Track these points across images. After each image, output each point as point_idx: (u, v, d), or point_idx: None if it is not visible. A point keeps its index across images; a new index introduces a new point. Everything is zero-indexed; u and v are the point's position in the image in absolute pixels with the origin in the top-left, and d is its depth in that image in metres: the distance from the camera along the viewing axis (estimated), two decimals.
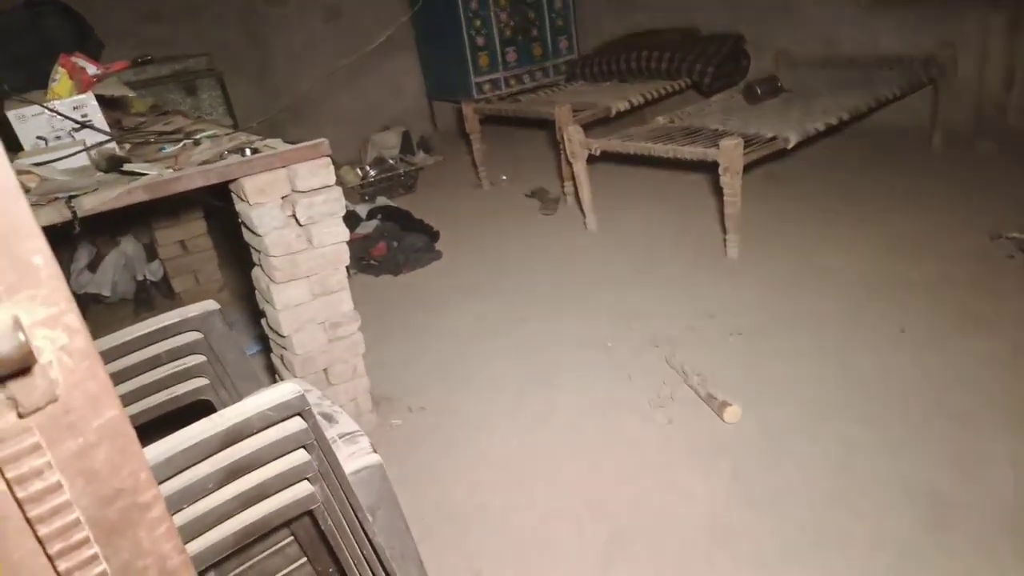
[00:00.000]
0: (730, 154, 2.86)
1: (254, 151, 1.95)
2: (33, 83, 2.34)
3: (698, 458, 1.98)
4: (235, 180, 1.92)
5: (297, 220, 2.00)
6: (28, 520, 0.40)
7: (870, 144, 4.37)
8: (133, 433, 0.44)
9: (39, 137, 2.10)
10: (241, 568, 1.15)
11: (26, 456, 0.39)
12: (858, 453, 1.91)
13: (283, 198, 1.98)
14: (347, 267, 3.41)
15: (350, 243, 2.02)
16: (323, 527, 1.10)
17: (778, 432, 2.04)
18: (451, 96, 5.57)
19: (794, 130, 3.16)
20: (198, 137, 2.19)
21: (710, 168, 3.13)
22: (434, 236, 3.84)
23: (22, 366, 0.37)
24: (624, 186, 4.24)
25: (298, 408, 1.01)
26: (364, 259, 3.61)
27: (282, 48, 5.25)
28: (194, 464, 0.94)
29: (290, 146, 1.97)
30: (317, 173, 1.98)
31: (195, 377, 1.46)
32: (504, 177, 4.78)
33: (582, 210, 3.75)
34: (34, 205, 1.69)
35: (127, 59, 2.59)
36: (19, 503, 0.40)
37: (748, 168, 3.00)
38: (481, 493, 1.99)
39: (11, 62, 2.47)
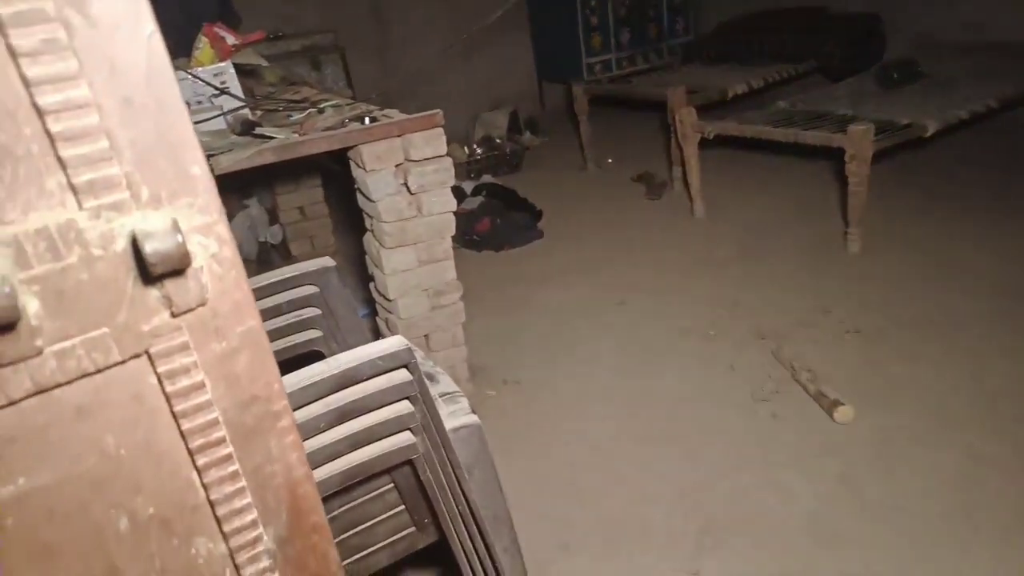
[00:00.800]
0: (859, 140, 2.67)
1: (373, 120, 2.02)
2: (179, 51, 2.52)
3: (803, 457, 1.89)
4: (354, 147, 2.00)
5: (408, 188, 2.05)
6: (174, 414, 0.44)
7: (1019, 138, 3.95)
8: (269, 344, 0.46)
9: (184, 102, 2.27)
10: (343, 508, 1.21)
11: (177, 354, 0.42)
12: (986, 468, 1.75)
13: (397, 166, 2.04)
14: (451, 239, 3.48)
15: (455, 217, 2.07)
16: (422, 478, 1.13)
17: (895, 438, 1.90)
18: (561, 77, 5.53)
19: (933, 117, 2.91)
20: (323, 106, 2.30)
21: (834, 156, 2.94)
22: (537, 215, 3.85)
23: (179, 267, 0.39)
24: (737, 173, 4.07)
25: (405, 360, 1.05)
26: (468, 234, 3.67)
27: (401, 26, 5.39)
28: (309, 403, 0.99)
29: (406, 116, 2.03)
30: (430, 143, 2.02)
31: (310, 329, 1.54)
32: (610, 160, 4.71)
33: (690, 196, 3.63)
34: None
35: (262, 34, 2.75)
36: (167, 397, 0.43)
37: (878, 157, 2.79)
38: (571, 470, 1.98)
39: (165, 32, 2.68)
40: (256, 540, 0.49)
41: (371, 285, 2.33)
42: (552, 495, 1.90)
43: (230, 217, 3.64)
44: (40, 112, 0.35)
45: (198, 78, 2.21)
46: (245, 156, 1.87)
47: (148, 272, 0.38)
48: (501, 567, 1.27)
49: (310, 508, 0.51)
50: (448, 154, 2.07)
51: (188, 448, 0.45)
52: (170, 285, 0.41)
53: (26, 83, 0.35)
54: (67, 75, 0.35)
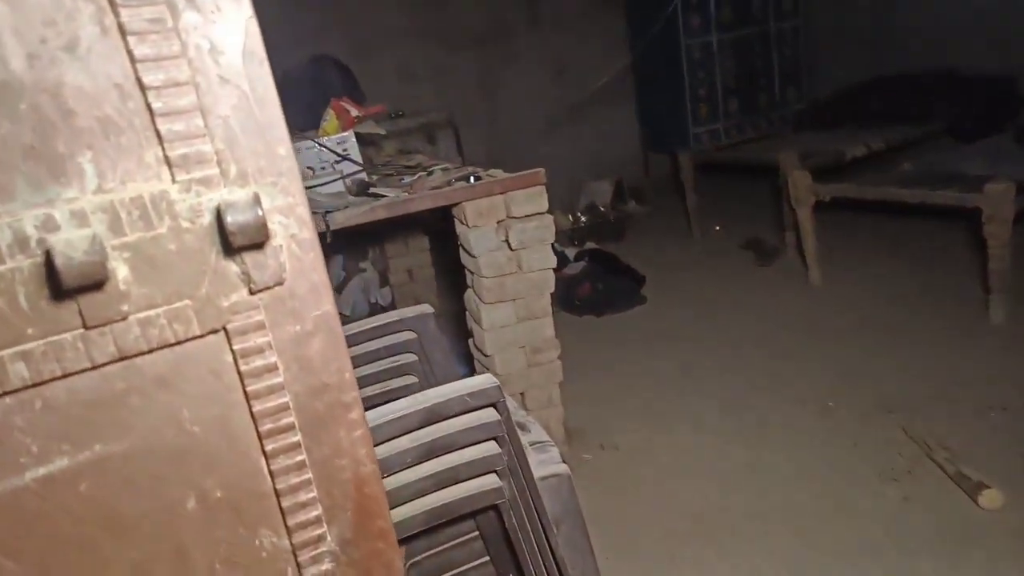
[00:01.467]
0: (998, 199, 2.45)
1: (477, 178, 2.09)
2: (309, 123, 2.76)
3: (941, 545, 1.65)
4: (458, 204, 2.07)
5: (509, 244, 2.08)
6: (247, 394, 0.44)
7: None
8: (342, 332, 0.46)
9: (308, 167, 2.46)
10: (428, 553, 1.18)
11: (252, 332, 0.43)
12: None
13: (499, 223, 2.08)
14: (551, 304, 3.48)
15: (556, 281, 2.07)
16: (507, 524, 1.09)
17: None
18: (667, 147, 5.54)
19: None
20: (432, 169, 2.41)
21: (968, 218, 2.71)
22: (640, 281, 3.79)
23: (257, 240, 0.40)
24: (856, 238, 3.84)
25: (493, 398, 1.03)
26: (569, 299, 3.66)
27: (510, 101, 5.65)
28: (395, 437, 0.99)
29: (509, 175, 2.09)
30: (532, 200, 2.06)
31: (406, 374, 1.56)
32: (718, 228, 4.60)
33: (804, 262, 3.45)
34: None
35: (383, 107, 2.97)
36: (241, 376, 0.44)
37: (1020, 217, 2.54)
38: (670, 543, 1.85)
39: (297, 108, 2.95)
40: (319, 539, 0.48)
41: (470, 341, 2.35)
42: (648, 566, 1.77)
43: (347, 281, 3.85)
44: (143, 88, 0.38)
45: (323, 146, 2.40)
46: (359, 212, 1.98)
47: (229, 244, 0.40)
48: None
49: (377, 511, 0.49)
50: (553, 219, 2.10)
51: (258, 432, 0.45)
52: (249, 260, 0.42)
53: (133, 60, 0.38)
54: (170, 55, 0.38)
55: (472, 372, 2.47)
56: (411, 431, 1.00)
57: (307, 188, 2.24)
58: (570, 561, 1.16)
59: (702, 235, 4.53)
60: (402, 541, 1.17)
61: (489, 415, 1.04)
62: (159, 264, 0.40)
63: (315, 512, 0.47)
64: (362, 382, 1.53)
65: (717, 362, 2.78)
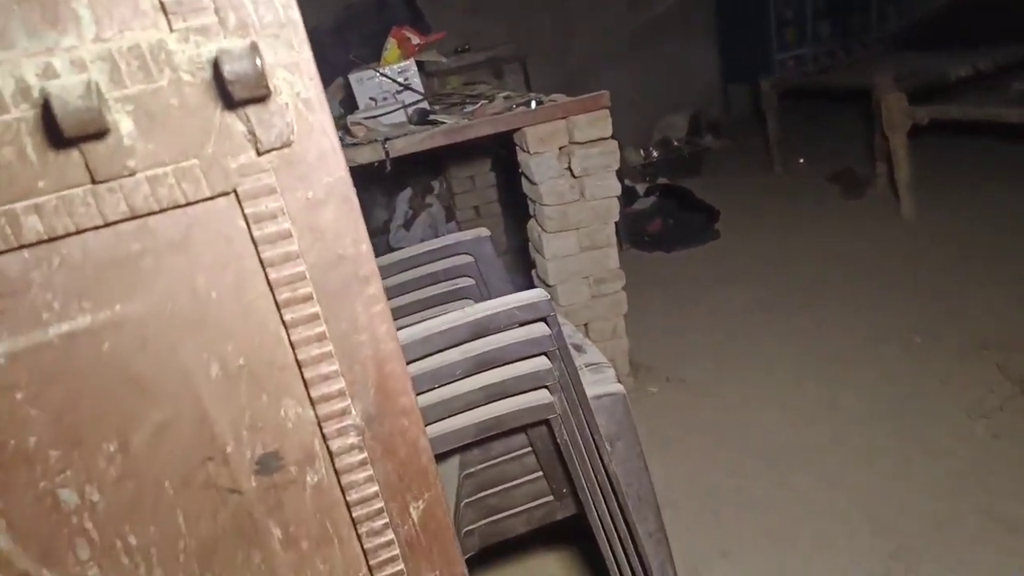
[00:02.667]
0: None
1: (539, 103, 2.03)
2: (375, 56, 2.74)
3: None
4: (519, 130, 2.02)
5: (572, 171, 2.03)
6: (261, 261, 0.43)
7: None
8: (357, 202, 0.44)
9: (371, 98, 2.45)
10: (482, 465, 1.19)
11: (263, 196, 0.42)
12: None
13: (561, 149, 2.02)
14: (619, 241, 3.41)
15: (625, 217, 2.01)
16: (559, 440, 1.08)
17: None
18: (749, 76, 5.22)
19: None
20: (494, 96, 2.36)
21: None
22: (714, 215, 3.64)
23: (257, 93, 0.39)
24: (955, 166, 3.53)
25: (543, 312, 1.01)
26: (638, 235, 3.57)
27: (584, 34, 5.44)
28: (446, 348, 0.99)
29: (571, 98, 2.01)
30: (595, 124, 1.98)
31: (463, 299, 1.56)
32: (802, 160, 4.33)
33: (896, 194, 3.21)
34: (358, 144, 1.98)
35: (446, 40, 2.91)
36: (255, 242, 0.43)
37: None
38: (738, 476, 1.81)
39: (361, 40, 2.94)
40: (343, 412, 0.47)
41: (533, 272, 2.33)
42: (713, 500, 1.74)
43: (415, 216, 3.89)
44: None
45: (384, 75, 2.38)
46: (418, 139, 1.97)
47: (230, 97, 0.38)
48: (645, 554, 1.17)
49: (399, 388, 0.48)
50: (623, 158, 2.02)
51: (276, 301, 0.44)
52: (254, 117, 0.40)
53: None
54: None
55: None
56: (460, 343, 1.00)
57: (368, 118, 2.24)
58: (624, 480, 1.15)
59: (784, 169, 4.28)
60: (456, 451, 1.19)
61: (540, 330, 1.02)
62: (162, 119, 0.39)
63: (338, 385, 0.47)
64: (419, 305, 1.55)
65: (794, 298, 2.66)
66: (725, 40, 5.53)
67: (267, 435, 0.47)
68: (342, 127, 2.26)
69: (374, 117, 2.28)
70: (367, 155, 1.95)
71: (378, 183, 3.98)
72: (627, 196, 3.87)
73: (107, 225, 0.40)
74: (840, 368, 2.15)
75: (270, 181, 0.42)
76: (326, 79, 2.89)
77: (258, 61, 0.37)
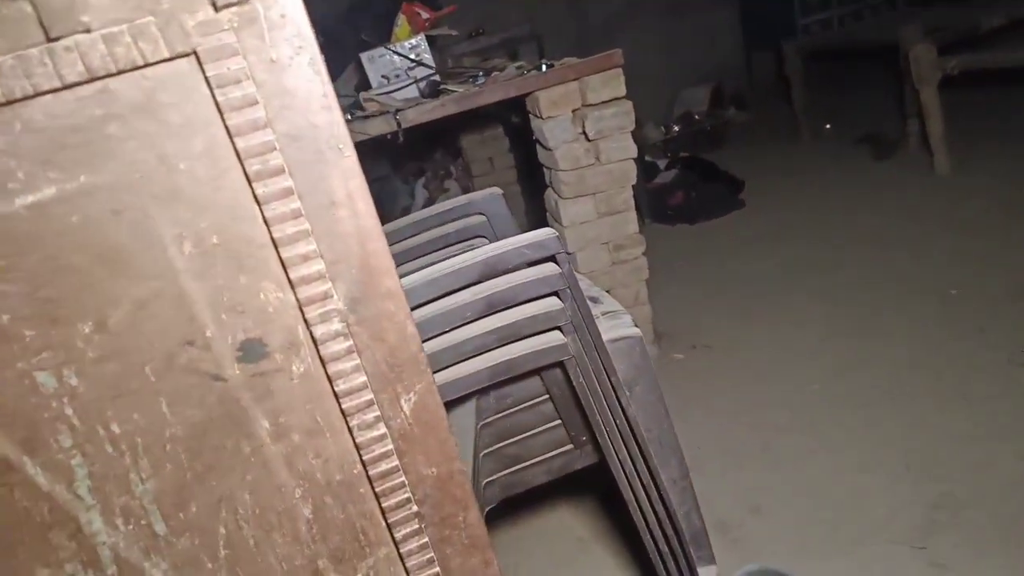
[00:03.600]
0: None
1: (550, 67, 2.00)
2: (387, 38, 2.74)
3: None
4: (531, 94, 1.99)
5: (586, 135, 1.99)
6: (228, 130, 0.42)
7: None
8: (323, 66, 0.43)
9: (383, 76, 2.45)
10: (499, 415, 1.18)
11: (225, 58, 0.41)
12: None
13: (574, 111, 1.99)
14: (641, 217, 3.36)
15: (646, 192, 1.96)
16: (574, 383, 1.06)
17: None
18: (772, 43, 5.10)
19: None
20: (507, 67, 2.33)
21: None
22: (738, 185, 3.56)
23: None
24: (990, 120, 3.40)
25: (552, 250, 0.98)
26: (660, 209, 3.51)
27: (598, 11, 5.38)
28: (455, 290, 0.97)
29: (582, 59, 1.98)
30: (608, 84, 1.95)
31: None
32: (828, 126, 4.22)
33: (929, 150, 3.10)
34: (370, 117, 1.97)
35: (461, 24, 2.89)
36: (219, 108, 0.41)
37: None
38: (766, 433, 1.76)
39: (373, 21, 2.94)
40: (325, 296, 0.46)
41: (560, 237, 2.30)
42: (743, 458, 1.70)
43: (431, 201, 3.89)
44: None
45: (395, 52, 2.37)
46: (429, 108, 1.95)
47: None
48: (668, 500, 1.14)
49: (383, 268, 0.46)
50: (643, 134, 1.98)
51: (246, 173, 0.43)
52: None
53: None
54: None
55: None
56: (469, 285, 0.98)
57: (381, 95, 2.23)
58: (644, 424, 1.12)
59: (811, 136, 4.18)
60: (471, 399, 1.17)
61: (549, 269, 1.00)
62: None
63: (317, 267, 0.45)
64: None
65: (824, 259, 2.59)
66: (746, 7, 5.42)
67: (248, 320, 0.45)
68: (355, 105, 2.26)
69: (387, 93, 2.28)
70: (379, 127, 1.94)
71: (398, 169, 3.99)
72: (648, 171, 3.81)
73: (66, 87, 0.39)
74: (873, 322, 2.09)
75: (231, 41, 0.40)
76: (340, 64, 2.89)
77: None
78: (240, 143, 0.42)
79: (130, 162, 0.41)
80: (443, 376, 1.00)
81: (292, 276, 0.45)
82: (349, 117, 2.01)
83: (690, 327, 2.39)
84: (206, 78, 0.41)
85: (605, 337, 1.10)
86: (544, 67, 1.99)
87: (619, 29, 5.32)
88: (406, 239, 1.54)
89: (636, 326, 1.16)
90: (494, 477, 1.21)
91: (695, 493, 1.20)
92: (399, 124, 1.93)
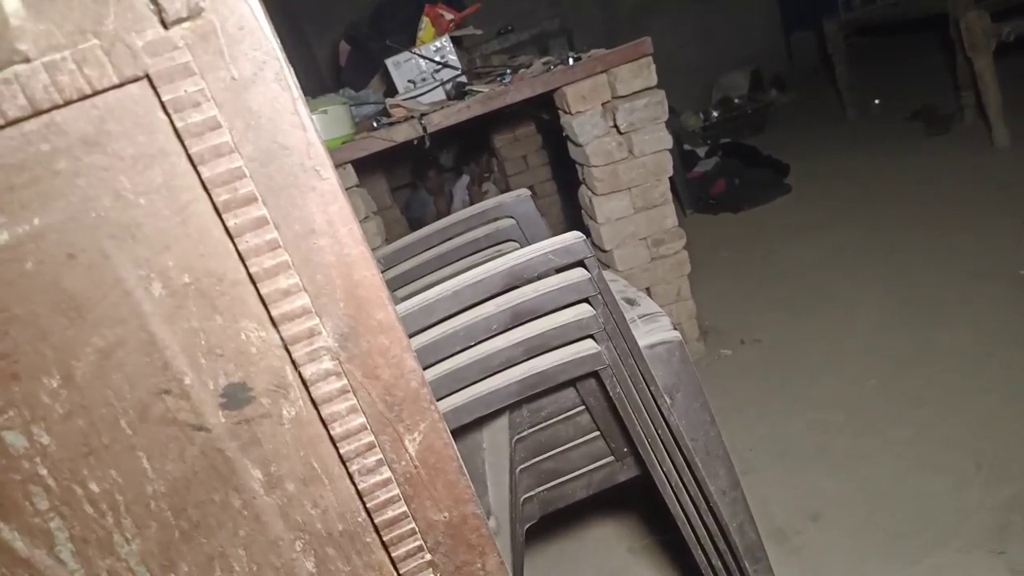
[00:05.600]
0: None
1: (576, 60, 1.93)
2: (413, 43, 2.71)
3: None
4: (558, 89, 1.93)
5: (618, 128, 1.92)
6: (190, 158, 0.38)
7: None
8: (292, 80, 0.38)
9: (409, 80, 2.42)
10: (533, 429, 1.12)
11: (180, 79, 0.37)
12: None
13: (604, 105, 1.92)
14: (682, 207, 3.25)
15: (686, 183, 1.88)
16: (611, 393, 1.00)
17: None
18: (812, 20, 4.89)
19: None
20: (533, 63, 2.28)
21: None
22: (782, 170, 3.42)
23: None
24: None
25: (580, 255, 0.93)
26: (701, 198, 3.40)
27: (630, 2, 5.26)
28: (480, 302, 0.93)
29: (609, 50, 1.91)
30: (638, 74, 1.87)
31: None
32: (877, 102, 4.02)
33: (987, 122, 2.91)
34: (395, 123, 1.94)
35: (489, 23, 2.85)
36: (179, 134, 0.37)
37: None
38: (822, 434, 1.66)
39: (399, 28, 2.92)
40: (312, 333, 0.42)
41: (588, 241, 2.23)
42: (799, 461, 1.61)
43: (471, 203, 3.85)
44: None
45: (420, 55, 2.34)
46: (455, 110, 1.91)
47: None
48: (719, 512, 1.07)
49: (374, 299, 0.42)
50: (682, 123, 1.91)
51: (214, 203, 0.39)
52: None
53: None
54: None
55: None
56: (494, 296, 0.93)
57: (407, 99, 2.20)
58: (688, 433, 1.05)
59: (858, 114, 3.99)
60: (503, 414, 1.12)
61: (578, 275, 0.94)
62: None
63: (301, 301, 0.41)
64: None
65: (877, 244, 2.45)
66: None
67: (229, 363, 0.41)
68: (382, 112, 2.24)
69: (413, 98, 2.25)
70: (405, 132, 1.91)
71: (436, 174, 3.97)
72: (687, 160, 3.70)
73: (9, 124, 0.35)
74: (934, 310, 1.96)
75: (185, 60, 0.36)
76: (368, 73, 2.86)
77: None
78: (205, 172, 0.38)
79: (83, 200, 0.37)
80: (471, 392, 0.96)
81: (274, 313, 0.41)
82: (375, 124, 1.98)
83: (738, 321, 2.29)
84: (161, 103, 0.37)
85: (642, 343, 1.04)
86: (571, 60, 1.93)
87: (650, 18, 5.20)
88: (435, 246, 1.50)
89: (675, 328, 1.09)
90: (532, 493, 1.16)
91: (747, 503, 1.13)
92: (424, 128, 1.89)
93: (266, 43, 0.37)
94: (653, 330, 1.09)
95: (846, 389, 1.77)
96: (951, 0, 3.01)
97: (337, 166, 1.88)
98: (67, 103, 0.36)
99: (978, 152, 2.91)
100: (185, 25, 0.36)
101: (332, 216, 0.40)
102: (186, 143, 0.37)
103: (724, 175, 3.45)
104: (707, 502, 1.07)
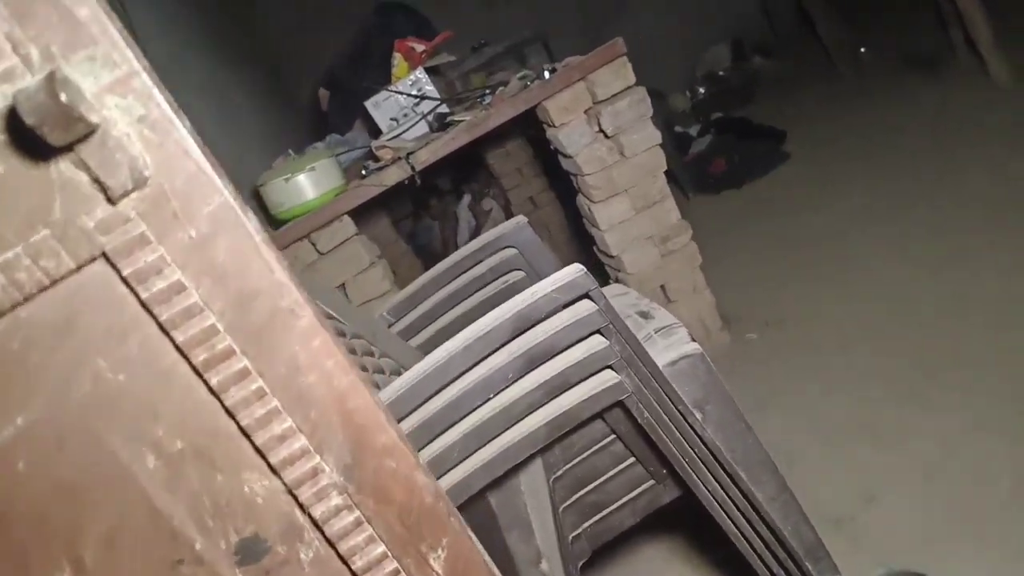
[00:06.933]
0: None
1: (552, 72, 1.91)
2: (389, 79, 2.71)
3: None
4: (539, 105, 1.92)
5: (605, 133, 1.90)
6: (161, 326, 0.37)
7: None
8: (251, 225, 0.37)
9: (392, 119, 2.41)
10: (568, 466, 1.11)
11: (138, 250, 0.35)
12: None
13: (587, 112, 1.90)
14: (683, 191, 3.21)
15: (683, 166, 1.85)
16: (640, 421, 0.97)
17: None
18: None
19: None
20: (510, 81, 2.26)
21: None
22: (779, 137, 3.37)
23: (74, 131, 0.32)
24: None
25: (584, 288, 0.91)
26: (701, 179, 3.36)
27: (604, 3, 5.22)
28: (490, 354, 0.91)
29: (583, 56, 1.89)
30: (617, 74, 1.85)
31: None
32: (863, 50, 3.95)
33: (981, 58, 2.84)
34: (383, 168, 1.94)
35: (454, 39, 2.84)
36: (146, 306, 0.36)
37: None
38: (863, 409, 1.62)
39: (376, 65, 2.92)
40: (315, 472, 0.40)
41: (594, 248, 2.22)
42: (844, 441, 1.57)
43: (480, 226, 3.83)
44: None
45: (395, 92, 2.34)
46: (440, 144, 1.90)
47: (47, 143, 0.32)
48: (771, 520, 1.05)
49: (373, 425, 0.40)
50: (669, 105, 1.89)
51: (193, 366, 0.37)
52: (92, 161, 0.34)
53: None
54: None
55: (607, 281, 2.34)
56: (504, 344, 0.91)
57: (392, 139, 2.20)
58: (726, 446, 1.03)
59: (848, 68, 3.92)
60: (535, 457, 1.11)
61: (585, 308, 0.92)
62: None
63: (298, 443, 0.40)
64: (476, 313, 1.48)
65: (888, 203, 2.40)
66: None
67: (238, 519, 0.40)
68: (367, 156, 2.24)
69: (398, 136, 2.24)
70: (395, 175, 1.91)
71: (437, 199, 3.96)
72: (681, 143, 3.66)
73: None
74: (967, 261, 1.90)
75: (139, 231, 0.35)
76: (351, 115, 2.86)
77: (63, 93, 0.31)
78: (178, 336, 0.37)
79: (63, 387, 0.36)
80: (500, 443, 0.94)
81: (273, 461, 0.40)
82: (364, 172, 1.97)
83: (758, 302, 2.25)
84: (122, 277, 0.36)
85: (662, 361, 1.02)
86: (547, 74, 1.91)
87: (623, 5, 5.16)
88: (443, 286, 1.49)
89: (693, 340, 1.07)
90: (579, 530, 1.14)
91: (799, 504, 1.10)
92: (413, 168, 1.89)
93: (217, 194, 0.36)
94: (672, 344, 1.06)
95: (881, 360, 1.73)
96: None
97: (332, 220, 1.88)
98: (28, 298, 0.35)
99: (978, 91, 2.84)
100: (133, 196, 0.35)
101: (315, 351, 0.39)
102: (154, 312, 0.36)
103: (721, 152, 3.41)
104: (757, 512, 1.04)
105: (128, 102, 0.34)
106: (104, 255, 0.35)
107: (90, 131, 0.33)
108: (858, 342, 1.83)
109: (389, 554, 0.42)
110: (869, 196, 2.49)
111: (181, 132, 0.35)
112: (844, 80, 3.85)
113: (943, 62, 3.22)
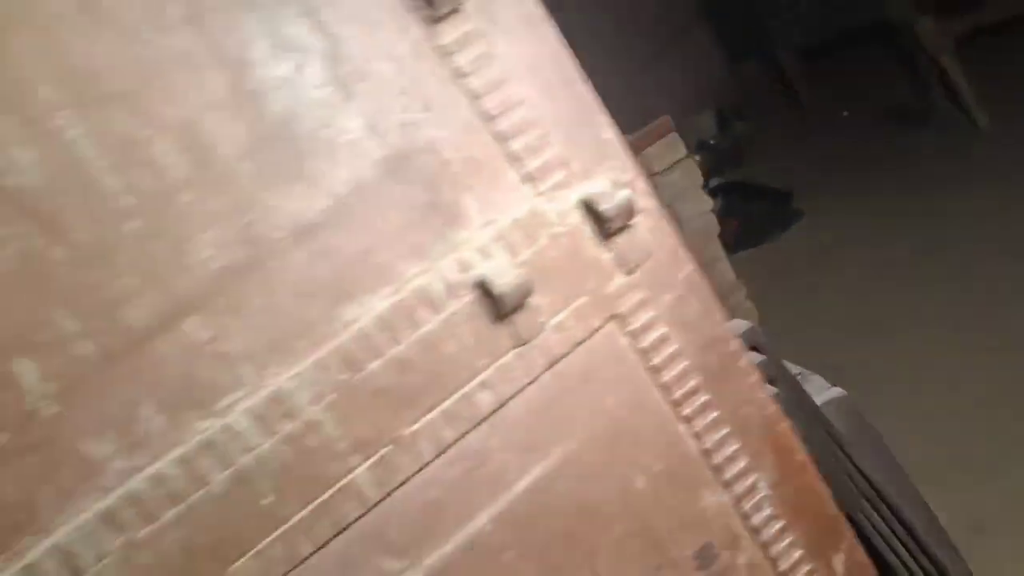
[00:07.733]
0: None
1: None
2: None
3: None
4: None
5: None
6: (652, 369, 0.45)
7: None
8: (707, 284, 0.46)
9: None
10: None
11: (639, 310, 0.45)
12: None
13: None
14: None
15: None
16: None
17: None
18: (752, 52, 5.16)
19: None
20: None
21: None
22: (785, 196, 3.58)
23: (628, 220, 0.42)
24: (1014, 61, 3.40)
25: (752, 341, 0.99)
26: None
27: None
28: None
29: (633, 136, 2.05)
30: (670, 149, 2.02)
31: None
32: (846, 114, 4.24)
33: (963, 109, 3.11)
34: None
35: None
36: (641, 354, 0.45)
37: None
38: (950, 447, 1.69)
39: None
40: (753, 488, 0.48)
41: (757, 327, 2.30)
42: (938, 476, 1.63)
43: None
44: (485, 119, 0.41)
45: None
46: None
47: (605, 230, 0.41)
48: (933, 553, 1.10)
49: (792, 447, 0.49)
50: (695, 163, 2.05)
51: (671, 400, 0.46)
52: (621, 243, 0.43)
53: (471, 98, 0.40)
54: (496, 79, 0.41)
55: None
56: None
57: None
58: (881, 479, 1.09)
59: (827, 126, 4.20)
60: None
61: (756, 358, 1.00)
62: (551, 272, 0.42)
63: (742, 463, 0.48)
64: None
65: (916, 248, 2.55)
66: (718, 25, 5.52)
67: (696, 530, 0.47)
68: None
69: None
70: None
71: None
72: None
73: (532, 382, 0.43)
74: (1001, 293, 2.03)
75: (641, 296, 0.44)
76: None
77: (625, 191, 0.41)
78: (663, 377, 0.45)
79: (585, 424, 0.45)
80: None
81: (724, 478, 0.48)
82: None
83: (813, 361, 2.34)
84: (627, 332, 0.44)
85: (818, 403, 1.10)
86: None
87: (608, 88, 5.48)
88: None
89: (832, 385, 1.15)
90: None
91: (948, 533, 1.16)
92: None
93: (687, 261, 0.46)
94: (816, 389, 1.14)
95: (953, 398, 1.81)
96: (886, 11, 3.26)
97: None
98: (567, 353, 0.43)
99: (966, 135, 3.09)
100: (640, 269, 0.44)
101: (751, 385, 0.48)
102: (647, 358, 0.45)
103: (731, 215, 3.58)
104: (920, 545, 1.10)
105: (636, 197, 0.44)
106: (615, 315, 0.44)
107: (633, 221, 0.42)
108: (924, 385, 1.91)
109: (806, 558, 0.49)
110: (894, 246, 2.64)
111: (663, 215, 0.45)
112: (830, 132, 4.11)
113: (928, 113, 3.49)
